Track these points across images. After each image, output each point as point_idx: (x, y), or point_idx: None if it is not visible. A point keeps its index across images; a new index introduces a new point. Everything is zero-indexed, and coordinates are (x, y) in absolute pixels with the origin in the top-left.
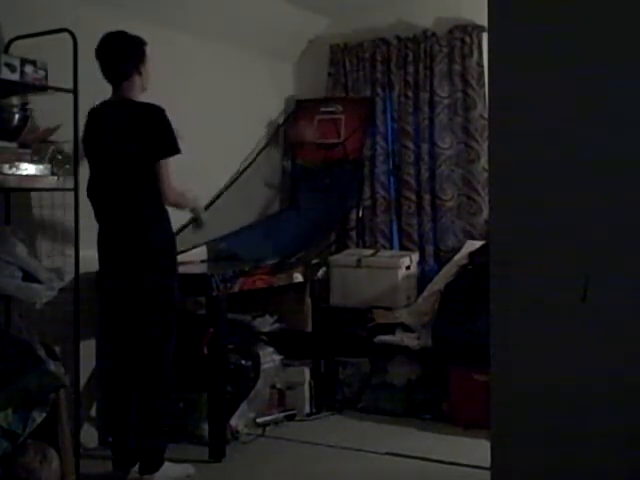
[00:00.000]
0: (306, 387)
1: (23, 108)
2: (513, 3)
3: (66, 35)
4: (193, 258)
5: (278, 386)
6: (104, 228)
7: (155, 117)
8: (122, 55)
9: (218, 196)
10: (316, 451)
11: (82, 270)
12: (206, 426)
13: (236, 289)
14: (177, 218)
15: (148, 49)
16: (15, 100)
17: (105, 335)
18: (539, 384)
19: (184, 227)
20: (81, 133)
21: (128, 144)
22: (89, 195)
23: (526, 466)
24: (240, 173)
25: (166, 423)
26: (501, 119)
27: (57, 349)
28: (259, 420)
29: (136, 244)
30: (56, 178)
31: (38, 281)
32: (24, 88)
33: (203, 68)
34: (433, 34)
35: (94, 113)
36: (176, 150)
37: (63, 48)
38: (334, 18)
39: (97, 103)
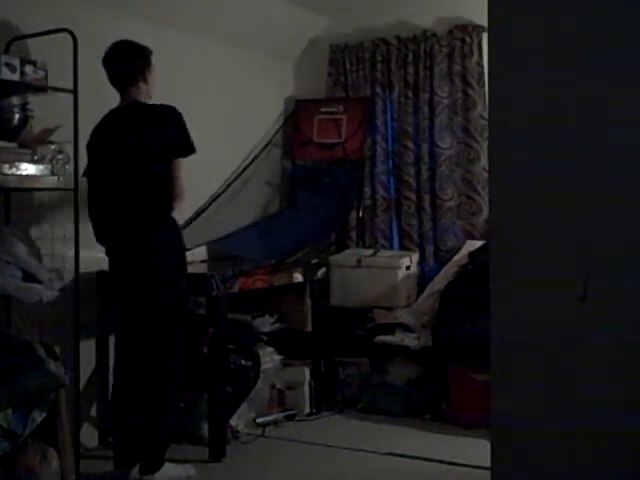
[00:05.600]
0: (306, 387)
1: (23, 108)
2: (513, 3)
3: (66, 35)
4: (193, 258)
5: (278, 386)
6: (113, 230)
7: (171, 117)
8: (129, 60)
9: (218, 196)
10: (316, 451)
11: (82, 270)
12: (206, 426)
13: (236, 289)
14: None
15: (153, 58)
16: (15, 100)
17: (115, 334)
18: (539, 384)
19: (184, 227)
20: (86, 139)
21: (144, 144)
22: (93, 207)
23: (526, 466)
24: (240, 173)
25: (169, 423)
26: (501, 119)
27: (57, 349)
28: (259, 420)
29: (151, 242)
30: (56, 178)
31: (38, 281)
32: (24, 88)
33: (203, 68)
34: (433, 34)
35: (104, 121)
36: (192, 150)
37: (63, 48)
38: (334, 18)
39: (105, 112)
